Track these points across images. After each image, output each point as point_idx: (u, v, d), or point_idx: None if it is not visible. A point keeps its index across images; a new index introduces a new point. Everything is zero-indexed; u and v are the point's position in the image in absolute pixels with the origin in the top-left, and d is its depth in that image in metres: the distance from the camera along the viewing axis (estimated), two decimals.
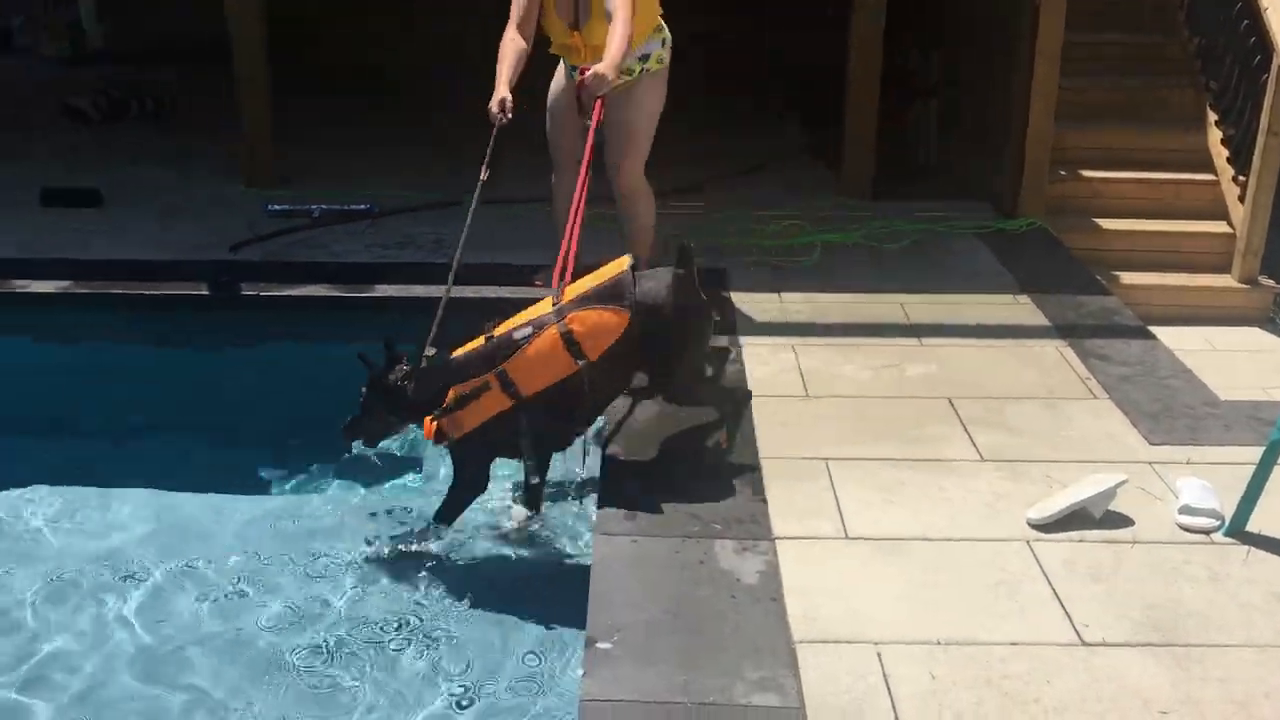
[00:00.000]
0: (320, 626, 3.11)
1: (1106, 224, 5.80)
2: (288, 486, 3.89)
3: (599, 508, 3.24)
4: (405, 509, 3.62)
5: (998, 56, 6.02)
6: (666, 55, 4.38)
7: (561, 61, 4.47)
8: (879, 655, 2.62)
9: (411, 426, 3.42)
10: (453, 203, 5.77)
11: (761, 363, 4.16)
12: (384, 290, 4.89)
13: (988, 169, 6.09)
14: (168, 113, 7.90)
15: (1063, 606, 2.78)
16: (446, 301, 3.43)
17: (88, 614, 3.18)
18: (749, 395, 3.86)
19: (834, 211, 5.82)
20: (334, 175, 6.31)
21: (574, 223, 3.73)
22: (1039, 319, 4.57)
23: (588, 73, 3.97)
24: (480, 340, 3.30)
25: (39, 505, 3.70)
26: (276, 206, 5.71)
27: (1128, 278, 5.51)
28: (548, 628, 3.05)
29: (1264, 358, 5.08)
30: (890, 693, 2.49)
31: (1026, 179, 5.71)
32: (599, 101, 4.00)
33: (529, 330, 3.22)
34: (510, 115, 4.01)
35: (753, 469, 3.42)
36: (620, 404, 3.82)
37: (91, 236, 5.37)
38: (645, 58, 4.31)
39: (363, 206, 5.75)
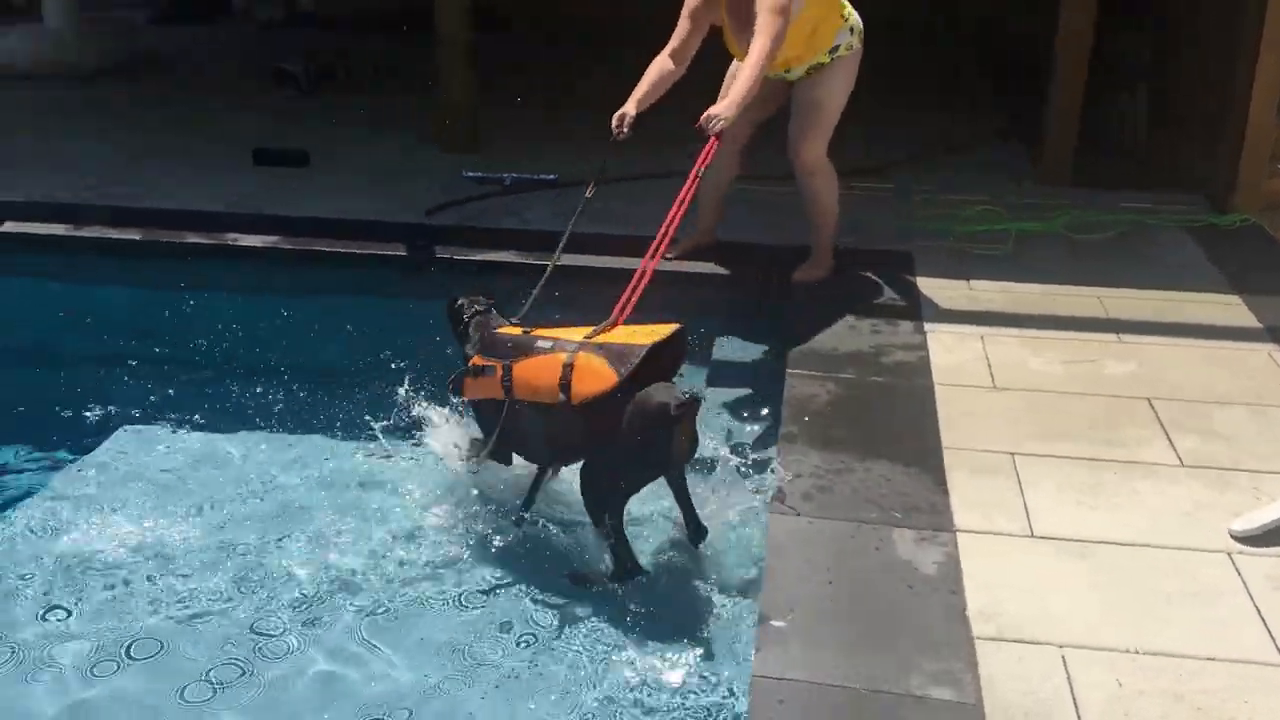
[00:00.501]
0: (495, 606, 3.11)
1: None
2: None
3: (775, 486, 3.22)
4: None
5: (1218, 42, 5.67)
6: (857, 42, 4.33)
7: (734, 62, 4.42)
8: (1063, 658, 2.53)
9: None
10: (641, 176, 5.84)
11: (947, 350, 4.05)
12: (569, 260, 4.96)
13: (1200, 160, 5.75)
14: (373, 79, 8.21)
15: (1265, 624, 2.63)
16: (551, 272, 3.56)
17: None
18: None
19: (1030, 198, 5.61)
20: (527, 142, 6.45)
21: (676, 208, 3.64)
22: (1250, 321, 4.31)
23: (706, 112, 3.88)
24: (517, 330, 3.35)
25: (266, 446, 3.91)
26: (471, 173, 5.87)
27: None
28: (717, 604, 3.05)
29: None
30: (1075, 698, 2.41)
31: (1243, 172, 5.38)
32: (712, 141, 3.85)
33: (549, 345, 3.21)
34: (627, 131, 3.97)
35: (934, 458, 3.35)
36: (798, 383, 3.81)
37: (298, 195, 5.63)
38: (835, 49, 4.27)
39: (552, 176, 5.85)
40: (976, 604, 2.71)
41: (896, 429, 3.54)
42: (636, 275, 3.41)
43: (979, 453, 3.39)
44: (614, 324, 3.25)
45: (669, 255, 4.68)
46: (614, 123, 4.01)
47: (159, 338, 4.53)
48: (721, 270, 4.82)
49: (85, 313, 4.72)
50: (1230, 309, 4.43)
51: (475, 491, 3.47)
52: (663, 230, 3.58)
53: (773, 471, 3.36)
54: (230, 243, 5.07)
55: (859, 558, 2.89)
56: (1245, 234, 5.23)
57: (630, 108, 4.03)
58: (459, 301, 3.50)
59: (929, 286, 4.61)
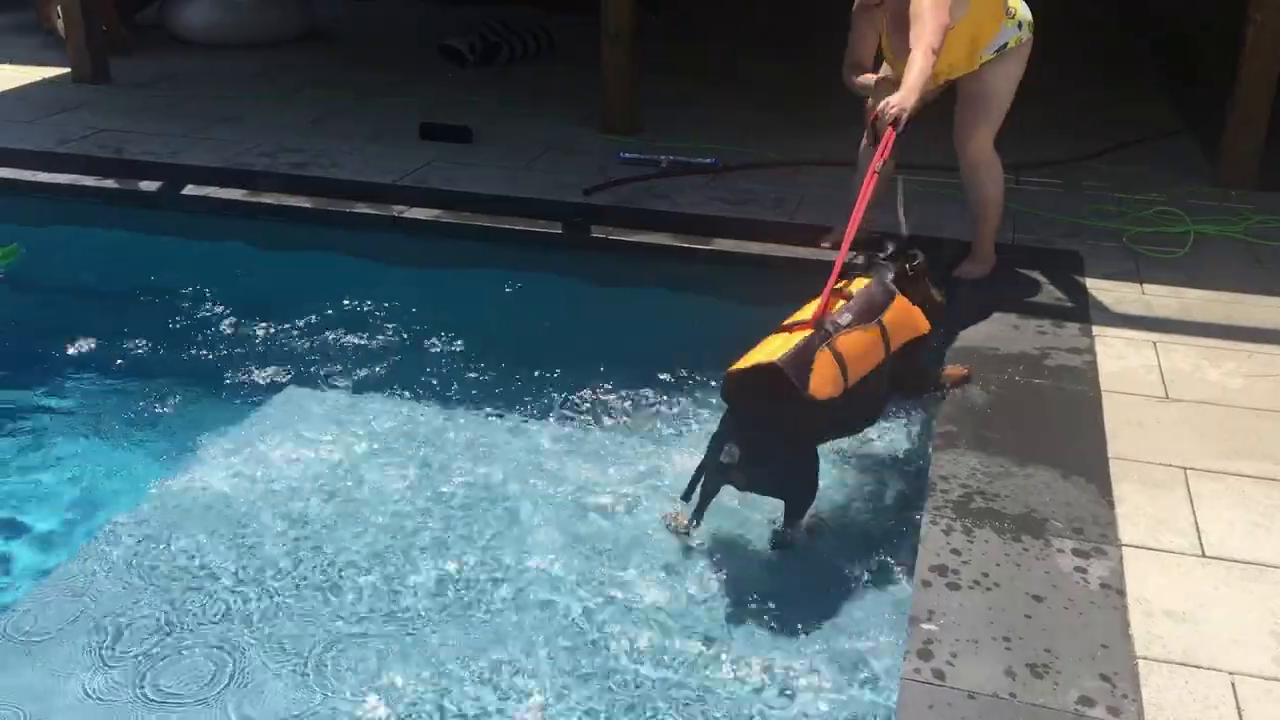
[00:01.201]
0: (626, 611, 3.05)
1: None
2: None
3: (930, 487, 3.15)
4: None
5: None
6: (1026, 34, 4.20)
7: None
8: (1233, 686, 2.41)
9: None
10: (794, 162, 5.78)
11: (1116, 356, 3.89)
12: (721, 244, 4.94)
13: None
14: (539, 55, 8.31)
15: None
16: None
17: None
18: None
19: (1210, 200, 5.34)
20: (686, 126, 6.45)
21: (862, 197, 3.60)
22: None
23: (885, 103, 3.81)
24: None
25: (410, 412, 4.01)
26: (627, 154, 5.90)
27: None
28: (868, 604, 3.00)
29: None
30: None
31: None
32: (890, 132, 3.76)
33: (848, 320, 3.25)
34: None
35: (1100, 468, 3.22)
36: (954, 383, 3.71)
37: (462, 170, 5.75)
38: (1002, 47, 4.16)
39: (708, 160, 5.84)
40: (1141, 623, 2.60)
41: (1059, 435, 3.41)
42: (835, 271, 3.37)
43: (1148, 465, 3.25)
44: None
45: (826, 245, 4.66)
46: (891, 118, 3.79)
47: (330, 303, 4.68)
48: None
49: (257, 275, 4.94)
50: None
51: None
52: (854, 222, 3.53)
53: (928, 473, 3.28)
54: (397, 214, 5.20)
55: (1017, 567, 2.80)
56: None
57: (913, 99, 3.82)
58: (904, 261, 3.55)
59: (1098, 288, 4.43)
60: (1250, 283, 4.49)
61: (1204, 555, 2.85)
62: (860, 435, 3.58)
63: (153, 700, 2.71)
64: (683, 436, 3.81)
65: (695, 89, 7.33)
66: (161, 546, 3.24)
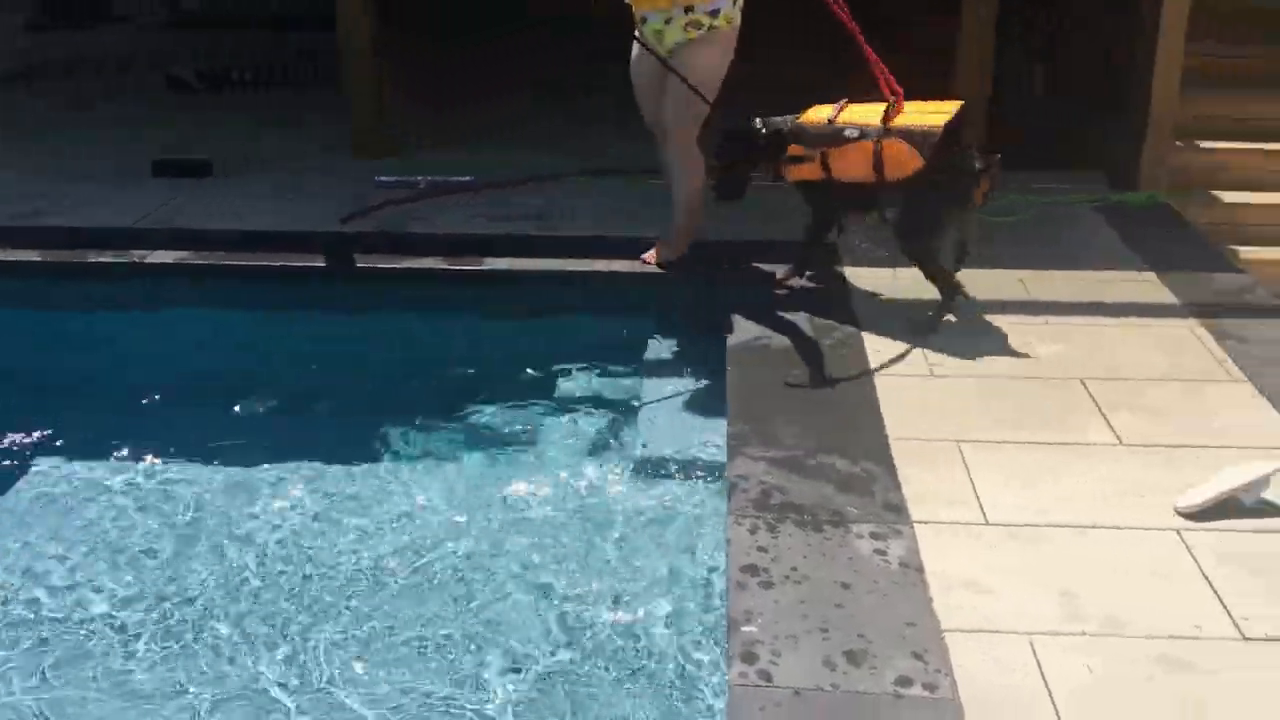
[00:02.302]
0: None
1: (1229, 197, 5.61)
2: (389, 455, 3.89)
3: (730, 489, 3.20)
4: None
5: (1116, 20, 5.81)
6: (737, 16, 4.33)
7: (636, 31, 4.43)
8: (1032, 646, 2.55)
9: None
10: (555, 176, 5.77)
11: (882, 339, 4.08)
12: (493, 264, 4.88)
13: (1107, 140, 5.89)
14: (271, 81, 7.96)
15: (1220, 599, 2.69)
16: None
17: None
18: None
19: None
20: (444, 143, 6.34)
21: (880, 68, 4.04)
22: (1168, 297, 4.43)
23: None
24: (826, 113, 4.13)
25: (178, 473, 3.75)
26: (384, 178, 5.73)
27: (1251, 253, 5.31)
28: (684, 612, 3.02)
29: None
30: (1048, 686, 2.43)
31: (1149, 150, 5.51)
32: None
33: (856, 134, 4.00)
34: None
35: (883, 450, 3.36)
36: (740, 380, 3.80)
37: (204, 207, 5.43)
38: (715, 13, 4.26)
39: (468, 179, 5.75)
40: (942, 597, 2.72)
41: (842, 422, 3.54)
42: (874, 61, 4.02)
43: (925, 442, 3.41)
44: (899, 102, 3.98)
45: (646, 260, 4.69)
46: None
47: (65, 362, 4.32)
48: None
49: None
50: (1148, 286, 4.54)
51: None
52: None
53: (724, 475, 3.34)
54: (137, 260, 4.85)
55: (821, 557, 2.88)
56: (1154, 212, 5.37)
57: None
58: (754, 133, 4.24)
59: (856, 276, 4.63)
60: (989, 258, 4.75)
61: (988, 523, 3.01)
62: (655, 444, 3.63)
63: None
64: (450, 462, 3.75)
65: (452, 106, 7.20)
66: None
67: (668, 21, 4.29)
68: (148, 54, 8.65)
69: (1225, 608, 2.67)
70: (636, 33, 4.45)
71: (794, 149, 4.15)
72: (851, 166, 4.03)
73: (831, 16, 4.06)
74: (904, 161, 3.91)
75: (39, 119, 7.10)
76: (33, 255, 4.92)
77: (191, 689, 2.79)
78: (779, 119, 4.24)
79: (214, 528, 3.43)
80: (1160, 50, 5.37)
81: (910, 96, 4.01)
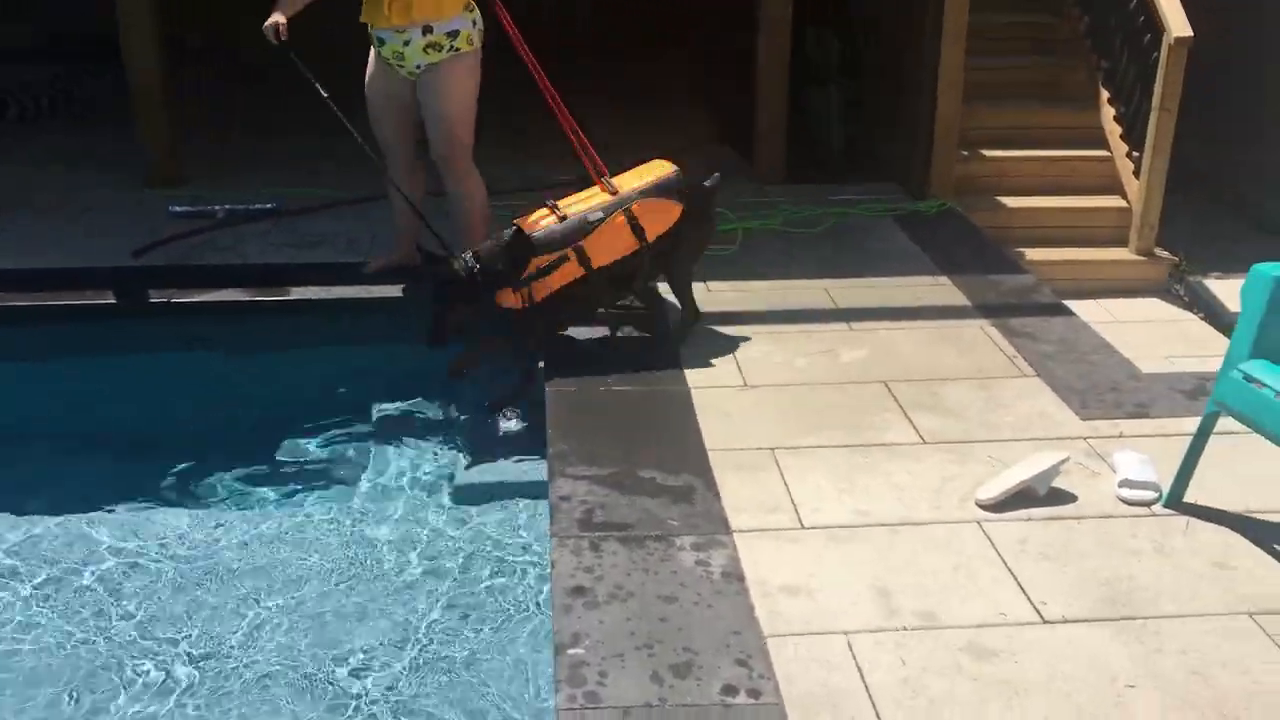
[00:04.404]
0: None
1: (1010, 202, 5.96)
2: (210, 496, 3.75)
3: (553, 510, 3.19)
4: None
5: (902, 40, 6.12)
6: (477, 38, 4.35)
7: (373, 48, 4.40)
8: (849, 644, 2.63)
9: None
10: (359, 200, 5.64)
11: (696, 353, 4.14)
12: (301, 293, 4.74)
13: (898, 152, 6.17)
14: (61, 111, 7.52)
15: (1020, 586, 2.84)
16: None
17: None
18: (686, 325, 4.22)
19: (750, 198, 5.84)
20: (239, 170, 6.12)
21: (573, 129, 4.14)
22: (960, 299, 4.66)
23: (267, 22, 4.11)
24: (548, 214, 3.95)
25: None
26: (179, 208, 5.50)
27: (1032, 254, 5.64)
28: (511, 636, 2.99)
29: (1165, 327, 5.26)
30: (865, 681, 2.51)
31: (935, 160, 5.81)
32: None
33: (601, 215, 3.93)
34: (284, 38, 4.17)
35: (701, 462, 3.41)
36: (559, 399, 3.79)
37: None
38: (454, 34, 4.26)
39: (269, 205, 5.57)
40: (763, 603, 2.78)
41: (661, 436, 3.58)
42: (571, 133, 4.12)
43: (741, 451, 3.48)
44: (602, 174, 4.04)
45: (367, 270, 4.75)
46: (271, 34, 4.17)
47: None
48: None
49: None
50: (942, 289, 4.77)
51: None
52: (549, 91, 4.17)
53: (546, 496, 3.32)
54: None
55: (645, 573, 2.90)
56: (944, 218, 5.65)
57: (280, 16, 4.18)
58: (458, 266, 3.83)
59: (666, 292, 4.69)
60: (793, 269, 4.96)
61: (803, 527, 3.10)
62: (474, 470, 3.61)
63: None
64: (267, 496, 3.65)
65: (243, 136, 6.96)
66: None
67: (406, 43, 4.25)
68: None
69: (1025, 594, 2.81)
70: (372, 52, 4.41)
71: (541, 260, 3.86)
72: (613, 246, 3.95)
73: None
74: (664, 214, 3.99)
75: None
76: None
77: None
78: (489, 246, 3.92)
79: None
80: (942, 66, 5.67)
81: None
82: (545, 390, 3.90)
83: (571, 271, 3.91)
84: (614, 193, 3.99)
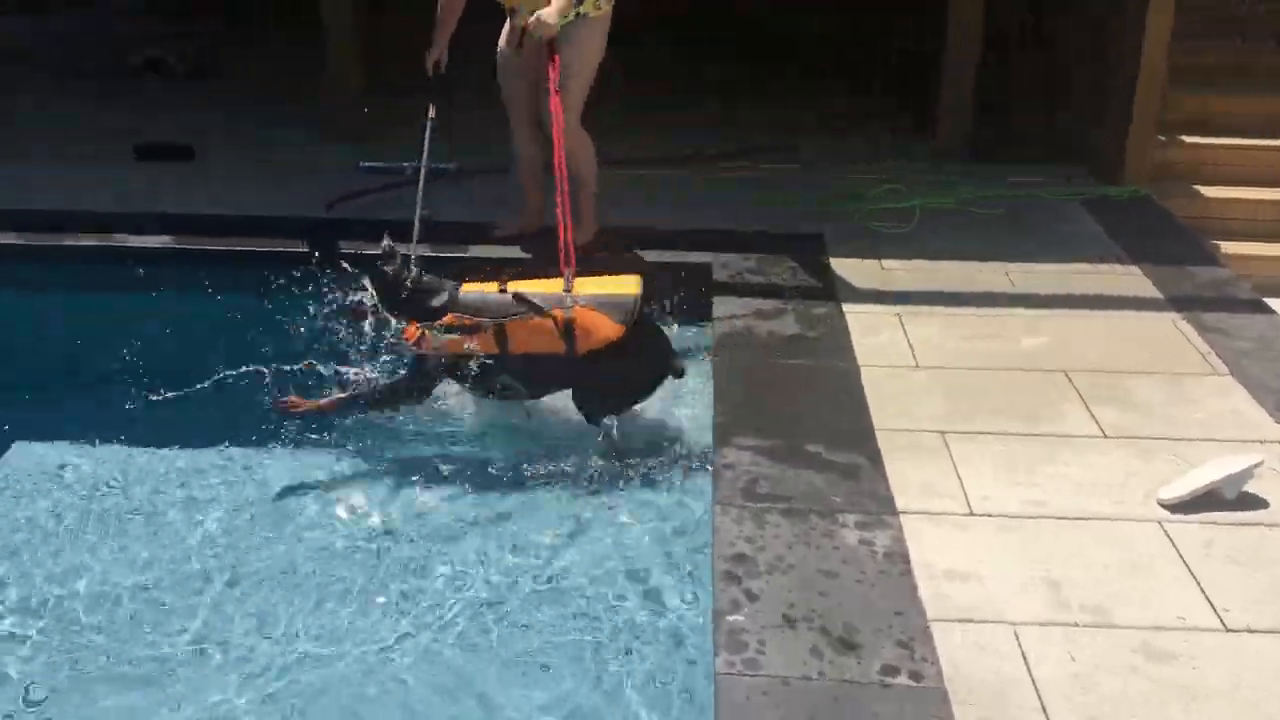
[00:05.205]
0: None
1: (1209, 191, 5.65)
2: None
3: (716, 478, 3.20)
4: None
5: (1104, 14, 5.83)
6: (605, 3, 4.40)
7: (508, 18, 4.51)
8: (1016, 635, 2.57)
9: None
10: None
11: (867, 331, 4.09)
12: (477, 251, 4.86)
13: (1091, 133, 5.91)
14: (194, 70, 7.90)
15: (1202, 590, 2.72)
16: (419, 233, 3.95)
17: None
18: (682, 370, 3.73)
19: (929, 175, 5.70)
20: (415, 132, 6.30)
21: (561, 178, 3.85)
22: (1151, 291, 4.45)
23: (531, 19, 4.18)
24: (493, 287, 3.65)
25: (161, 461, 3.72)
26: (368, 164, 5.70)
27: (1229, 247, 5.35)
28: (669, 602, 3.01)
29: None
30: (1032, 675, 2.45)
31: (1132, 144, 5.55)
32: (552, 54, 4.16)
33: (539, 302, 3.55)
34: (442, 72, 4.45)
35: (869, 441, 3.37)
36: (726, 370, 3.80)
37: (186, 192, 5.39)
38: (581, 0, 4.32)
39: (451, 166, 5.72)
40: (928, 587, 2.73)
41: (829, 413, 3.55)
42: (561, 228, 3.70)
43: (911, 433, 3.42)
44: (573, 274, 3.60)
45: (498, 234, 4.88)
46: (430, 67, 4.46)
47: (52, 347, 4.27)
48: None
49: None
50: (1131, 279, 4.57)
51: None
52: (559, 171, 3.87)
53: (709, 465, 3.34)
54: (120, 244, 4.81)
55: (808, 547, 2.89)
56: (1137, 205, 5.40)
57: (441, 49, 4.47)
58: (391, 269, 3.66)
59: (843, 267, 4.65)
60: (972, 250, 4.82)
61: (972, 514, 3.03)
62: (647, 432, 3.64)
63: None
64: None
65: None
66: None
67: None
68: (115, 39, 8.55)
69: (1207, 598, 2.69)
70: (509, 21, 4.54)
71: (454, 318, 3.60)
72: (535, 339, 3.56)
73: None
74: (601, 330, 3.53)
75: (7, 104, 7.02)
76: (11, 238, 4.87)
77: None
78: (435, 279, 3.72)
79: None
80: (1145, 46, 5.39)
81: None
82: (713, 361, 3.91)
83: (484, 344, 3.59)
84: (568, 290, 3.58)
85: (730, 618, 2.63)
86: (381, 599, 3.01)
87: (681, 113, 6.84)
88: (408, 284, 3.66)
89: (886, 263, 4.71)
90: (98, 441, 3.75)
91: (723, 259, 4.74)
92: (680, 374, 3.66)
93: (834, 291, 4.43)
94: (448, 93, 4.38)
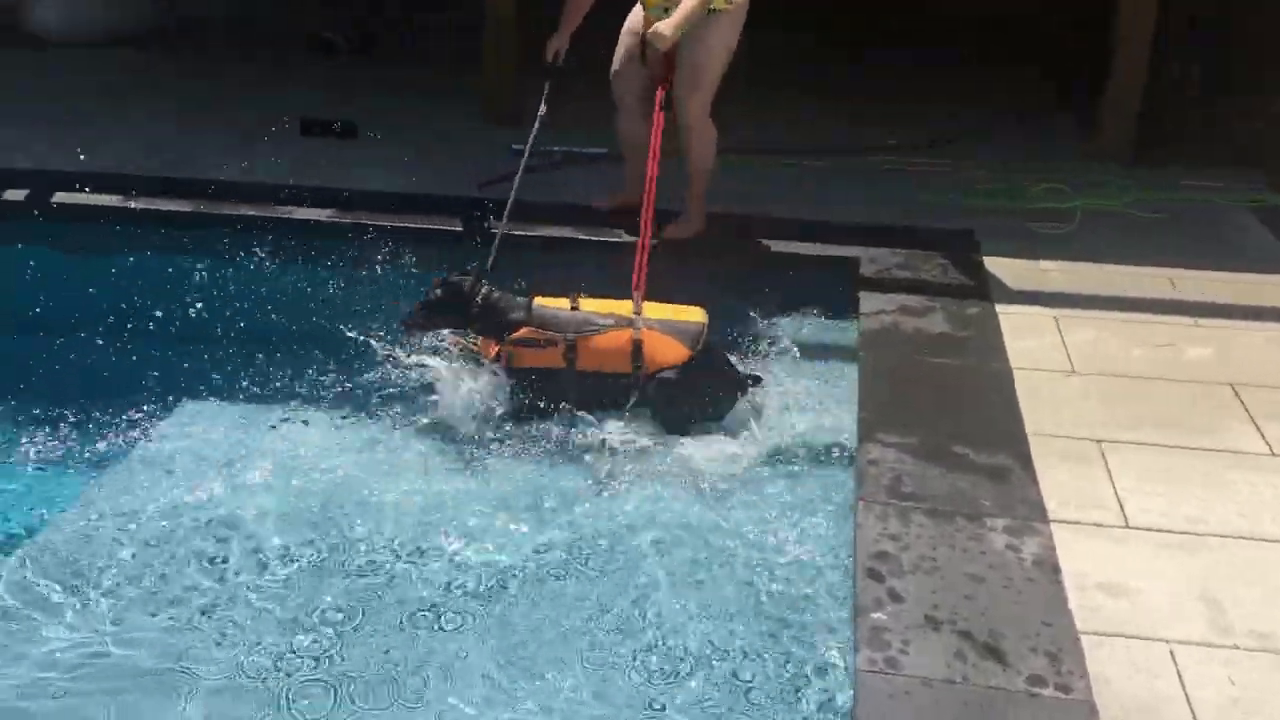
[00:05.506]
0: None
1: None
2: None
3: (860, 474, 3.17)
4: None
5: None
6: None
7: (638, 6, 4.53)
8: (1172, 654, 2.48)
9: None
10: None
11: (1021, 334, 3.98)
12: (618, 236, 4.90)
13: (1264, 137, 5.63)
14: (410, 44, 8.11)
15: None
16: (501, 237, 4.10)
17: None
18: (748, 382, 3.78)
19: (1090, 176, 5.51)
20: (569, 116, 6.37)
21: (650, 178, 3.95)
22: None
23: (650, 29, 4.23)
24: (565, 302, 3.78)
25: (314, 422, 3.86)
26: (519, 146, 5.77)
27: None
28: (811, 595, 3.00)
29: None
30: (1188, 695, 2.36)
31: None
32: (667, 61, 4.23)
33: (610, 321, 3.70)
34: (560, 63, 4.54)
35: (1020, 445, 3.29)
36: (872, 366, 3.75)
37: (348, 167, 5.57)
38: None
39: (601, 151, 5.78)
40: (1078, 599, 2.66)
41: (978, 414, 3.47)
42: (640, 252, 3.78)
43: (1064, 439, 3.33)
44: (642, 298, 3.71)
45: (601, 208, 4.96)
46: (549, 56, 4.58)
47: (210, 311, 4.46)
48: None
49: (134, 285, 4.67)
50: None
51: None
52: (648, 198, 3.93)
53: (853, 460, 3.31)
54: (284, 215, 5.00)
55: (953, 551, 2.83)
56: None
57: (563, 40, 4.58)
58: (464, 281, 3.79)
59: (996, 266, 4.54)
60: (1136, 255, 4.65)
61: (1128, 526, 2.93)
62: (784, 423, 3.63)
63: None
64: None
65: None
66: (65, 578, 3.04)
67: (666, 10, 4.32)
68: (289, 14, 8.87)
69: None
70: (636, 9, 4.58)
71: (529, 332, 3.72)
72: (604, 357, 3.68)
73: None
74: (669, 352, 3.65)
75: (182, 76, 7.35)
76: (183, 206, 5.11)
77: None
78: (507, 295, 3.83)
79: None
80: None
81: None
82: (859, 354, 3.87)
83: (552, 358, 3.71)
84: (637, 313, 3.70)
85: (873, 615, 2.60)
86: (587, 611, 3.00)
87: (831, 100, 6.77)
88: (478, 299, 3.76)
89: (1043, 263, 4.58)
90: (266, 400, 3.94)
91: (870, 253, 4.69)
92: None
93: (986, 291, 4.33)
94: (563, 83, 4.48)
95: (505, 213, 4.20)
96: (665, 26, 4.20)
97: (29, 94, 6.84)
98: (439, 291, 3.83)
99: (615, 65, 4.70)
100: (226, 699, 2.65)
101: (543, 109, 4.42)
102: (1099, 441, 3.31)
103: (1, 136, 5.93)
